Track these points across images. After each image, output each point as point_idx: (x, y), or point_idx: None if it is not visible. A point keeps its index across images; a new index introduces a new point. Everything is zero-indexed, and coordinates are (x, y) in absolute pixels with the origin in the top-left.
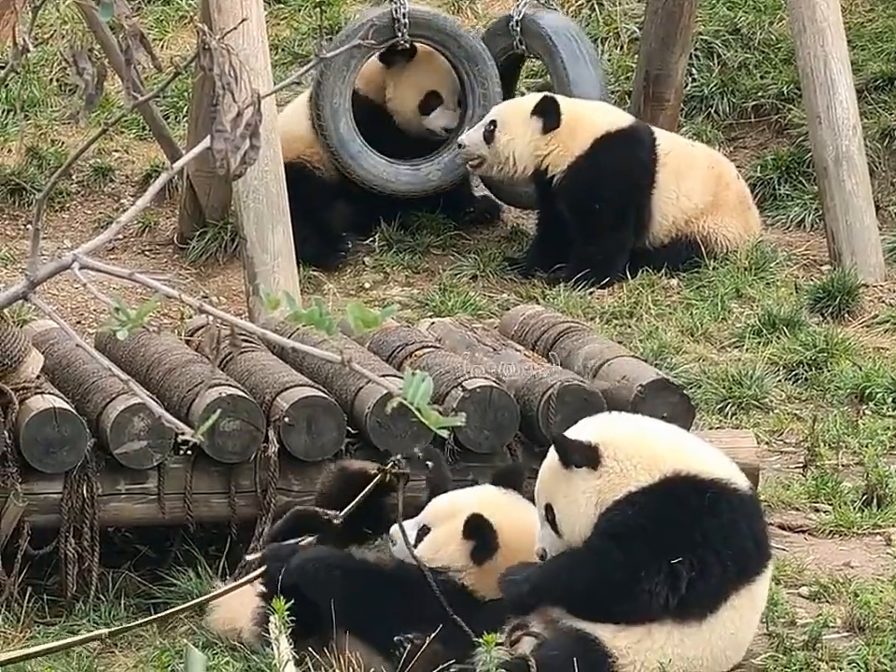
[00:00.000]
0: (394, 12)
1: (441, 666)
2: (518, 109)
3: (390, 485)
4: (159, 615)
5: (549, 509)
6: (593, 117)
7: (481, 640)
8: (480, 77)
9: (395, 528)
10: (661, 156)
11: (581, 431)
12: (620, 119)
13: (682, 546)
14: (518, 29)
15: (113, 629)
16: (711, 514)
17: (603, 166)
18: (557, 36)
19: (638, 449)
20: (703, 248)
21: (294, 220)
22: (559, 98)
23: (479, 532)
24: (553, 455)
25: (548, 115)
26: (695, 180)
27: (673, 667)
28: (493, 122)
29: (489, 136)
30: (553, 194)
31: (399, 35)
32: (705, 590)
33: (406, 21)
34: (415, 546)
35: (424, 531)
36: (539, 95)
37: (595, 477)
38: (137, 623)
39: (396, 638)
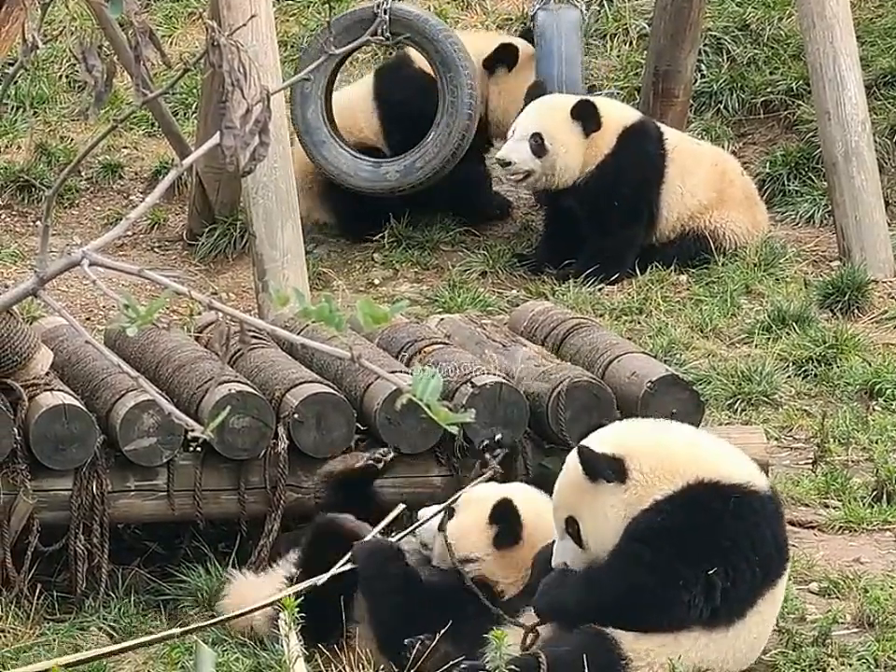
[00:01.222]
0: (375, 7)
1: (451, 663)
2: (558, 116)
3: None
4: (236, 614)
5: (571, 522)
6: (611, 113)
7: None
8: (451, 84)
9: (423, 511)
10: (669, 151)
11: (604, 443)
12: (630, 113)
13: (713, 553)
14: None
15: (184, 629)
16: (737, 519)
17: (626, 162)
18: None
19: (660, 458)
20: (711, 243)
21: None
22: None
23: (505, 517)
24: (573, 467)
25: (587, 119)
26: (700, 176)
27: (687, 669)
28: (538, 135)
29: (539, 149)
30: (566, 192)
31: (380, 31)
32: (736, 597)
33: (387, 17)
34: (441, 529)
35: (450, 514)
36: (570, 99)
37: (622, 490)
38: (210, 622)
39: (407, 641)
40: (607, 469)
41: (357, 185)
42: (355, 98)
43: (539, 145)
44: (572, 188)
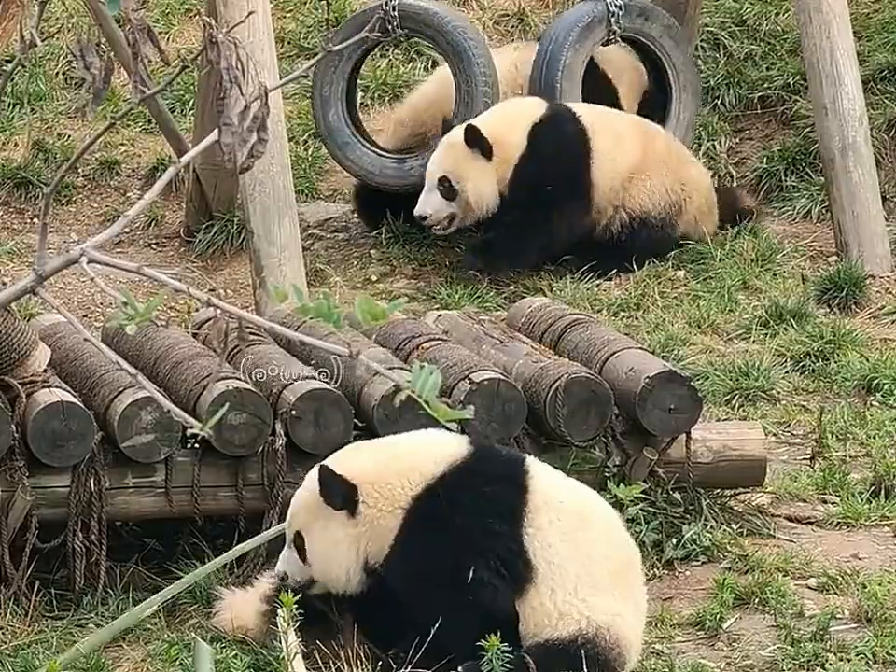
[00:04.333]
0: (384, 4)
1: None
2: (457, 152)
3: None
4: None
5: (298, 536)
6: (519, 112)
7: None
8: (464, 74)
9: None
10: (588, 126)
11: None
12: (537, 107)
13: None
14: None
15: None
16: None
17: (545, 152)
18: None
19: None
20: (650, 207)
21: None
22: (474, 121)
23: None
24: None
25: (478, 142)
26: (626, 140)
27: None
28: (444, 179)
29: (449, 193)
30: (501, 210)
31: (390, 27)
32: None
33: (396, 13)
34: None
35: None
36: (457, 128)
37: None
38: None
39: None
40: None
41: (384, 182)
42: None
43: (447, 188)
44: (502, 204)
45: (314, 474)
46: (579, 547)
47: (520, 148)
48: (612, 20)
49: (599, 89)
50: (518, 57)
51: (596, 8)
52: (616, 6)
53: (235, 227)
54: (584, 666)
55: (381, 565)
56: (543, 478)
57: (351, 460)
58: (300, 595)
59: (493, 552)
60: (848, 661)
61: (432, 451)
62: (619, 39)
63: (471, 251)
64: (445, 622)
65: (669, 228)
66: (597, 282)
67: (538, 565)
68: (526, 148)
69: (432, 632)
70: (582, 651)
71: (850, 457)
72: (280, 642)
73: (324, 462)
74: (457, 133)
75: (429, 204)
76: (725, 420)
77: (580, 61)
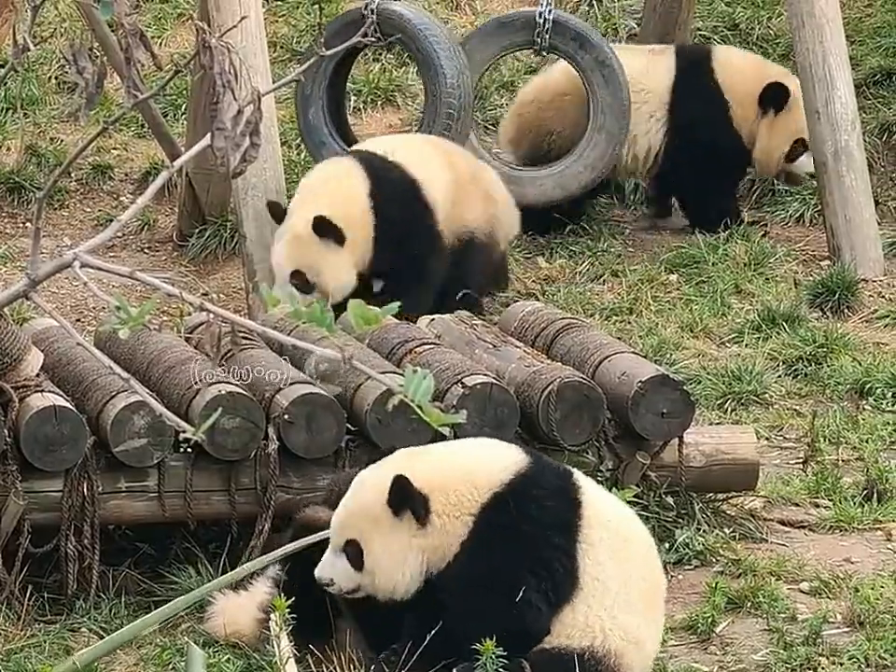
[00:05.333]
0: (364, 7)
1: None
2: (306, 244)
3: None
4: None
5: (352, 543)
6: (346, 190)
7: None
8: (430, 84)
9: None
10: (420, 181)
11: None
12: (356, 170)
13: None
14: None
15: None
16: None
17: (392, 220)
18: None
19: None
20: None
21: None
22: (315, 210)
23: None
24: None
25: (330, 231)
26: (445, 179)
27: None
28: (297, 273)
29: (306, 288)
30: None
31: (369, 31)
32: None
33: (374, 17)
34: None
35: None
36: (297, 219)
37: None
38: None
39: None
40: (412, 505)
41: None
42: None
43: (302, 283)
44: (370, 268)
45: (373, 480)
46: (622, 566)
47: (371, 225)
48: (537, 32)
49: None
50: (649, 61)
51: (525, 17)
52: (543, 18)
53: (228, 231)
54: None
55: (440, 571)
56: (591, 492)
57: (416, 468)
58: (294, 599)
59: (548, 567)
60: (841, 665)
61: (495, 458)
62: (545, 53)
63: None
64: (478, 629)
65: (494, 244)
66: (590, 286)
67: (583, 582)
68: (376, 223)
69: (429, 634)
70: (584, 666)
71: (843, 461)
72: (273, 646)
73: (397, 473)
74: (299, 222)
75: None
76: (718, 424)
77: (479, 62)
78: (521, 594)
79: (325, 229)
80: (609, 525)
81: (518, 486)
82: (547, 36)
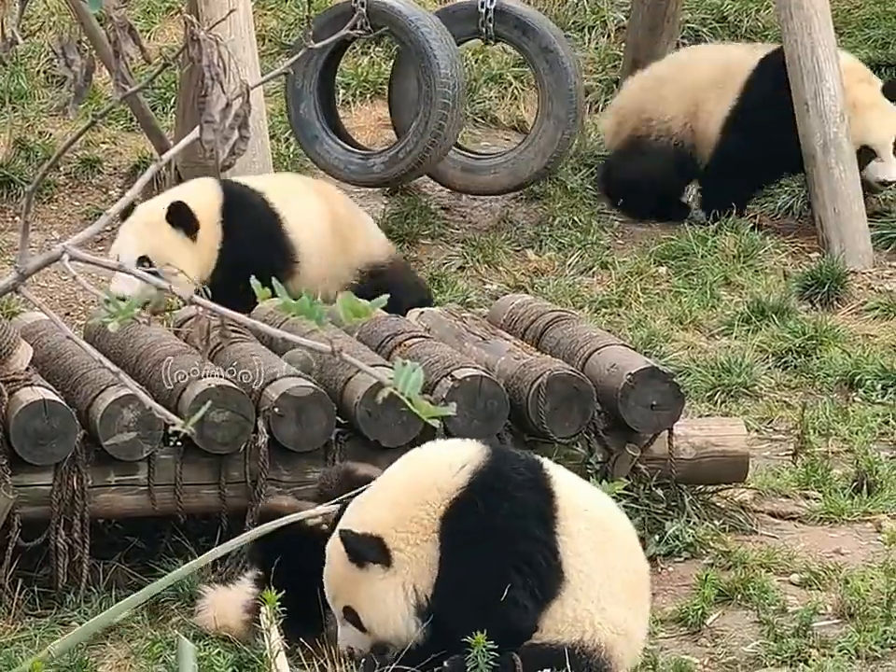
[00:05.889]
0: (353, 0)
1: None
2: (157, 230)
3: None
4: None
5: (349, 610)
6: (202, 196)
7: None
8: (425, 74)
9: None
10: (278, 205)
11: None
12: (216, 192)
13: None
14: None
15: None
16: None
17: (242, 242)
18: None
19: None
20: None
21: None
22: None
23: None
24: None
25: (184, 221)
26: (314, 214)
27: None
28: (144, 259)
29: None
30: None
31: (358, 23)
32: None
33: (364, 9)
34: None
35: None
36: (148, 205)
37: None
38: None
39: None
40: (368, 553)
41: (348, 178)
42: None
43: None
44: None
45: (333, 543)
46: (604, 556)
47: (219, 235)
48: (481, 21)
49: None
50: (737, 56)
51: (469, 7)
52: (486, 8)
53: None
54: None
55: (432, 595)
56: (564, 481)
57: (362, 514)
58: (283, 593)
59: (531, 561)
60: (831, 656)
61: (444, 466)
62: (492, 41)
63: None
64: (468, 630)
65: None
66: (579, 278)
67: (568, 575)
68: (224, 237)
69: (419, 630)
70: (574, 660)
71: (832, 453)
72: (263, 640)
73: (341, 528)
74: (153, 208)
75: (126, 285)
76: (707, 416)
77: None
78: (507, 592)
79: (180, 217)
80: (587, 515)
81: (479, 484)
82: (491, 25)
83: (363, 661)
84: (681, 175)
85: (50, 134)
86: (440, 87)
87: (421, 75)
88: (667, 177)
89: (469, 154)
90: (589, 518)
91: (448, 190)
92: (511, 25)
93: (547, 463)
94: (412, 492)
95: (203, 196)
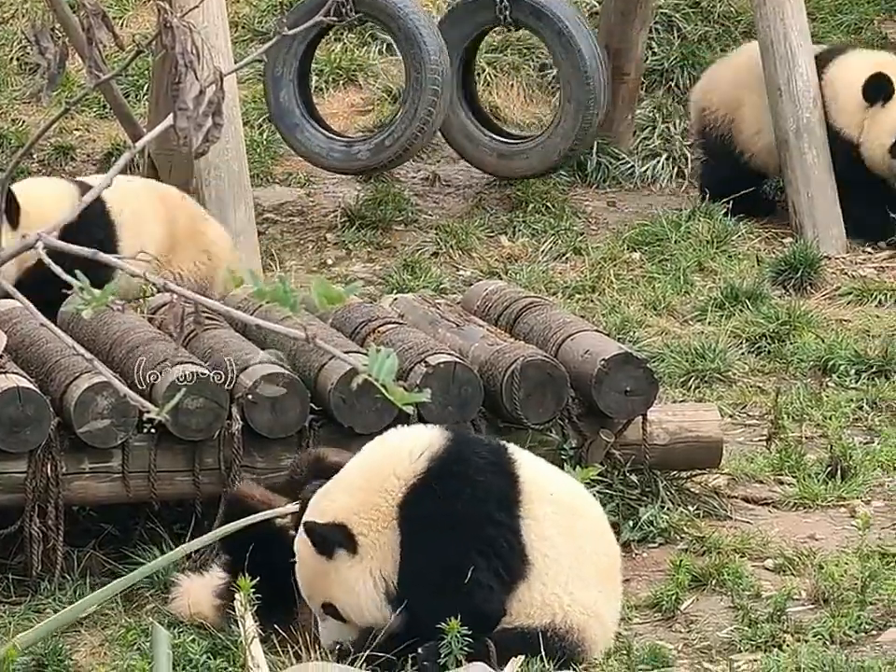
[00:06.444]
0: None
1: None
2: None
3: None
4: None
5: (327, 606)
6: (38, 209)
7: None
8: (414, 61)
9: None
10: (115, 217)
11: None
12: (62, 186)
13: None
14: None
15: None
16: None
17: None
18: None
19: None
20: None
21: None
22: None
23: None
24: (304, 549)
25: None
26: (151, 222)
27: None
28: None
29: None
30: None
31: (343, 11)
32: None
33: None
34: None
35: None
36: None
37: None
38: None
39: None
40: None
41: (330, 166)
42: None
43: None
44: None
45: (299, 538)
46: (572, 540)
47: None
48: (498, 8)
49: None
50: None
51: None
52: None
53: None
54: (544, 656)
55: (397, 582)
56: (529, 466)
57: (326, 504)
58: (257, 579)
59: (493, 543)
60: (806, 641)
61: (403, 453)
62: (511, 28)
63: None
64: (436, 615)
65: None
66: (553, 264)
67: (533, 559)
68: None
69: (393, 616)
70: (547, 643)
71: (806, 438)
72: (237, 626)
73: (305, 520)
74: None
75: None
76: (681, 402)
77: (458, 40)
78: (469, 574)
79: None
80: (554, 499)
81: (437, 470)
82: (507, 12)
83: (337, 648)
84: None
85: (24, 122)
86: (429, 73)
87: (409, 61)
88: None
89: (504, 141)
90: (556, 502)
91: (420, 177)
92: (527, 12)
93: (512, 448)
94: (372, 479)
95: (47, 190)
